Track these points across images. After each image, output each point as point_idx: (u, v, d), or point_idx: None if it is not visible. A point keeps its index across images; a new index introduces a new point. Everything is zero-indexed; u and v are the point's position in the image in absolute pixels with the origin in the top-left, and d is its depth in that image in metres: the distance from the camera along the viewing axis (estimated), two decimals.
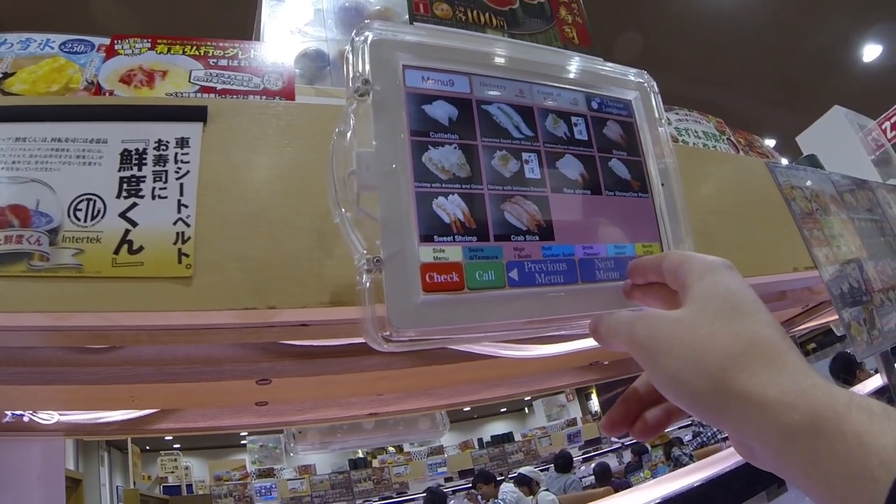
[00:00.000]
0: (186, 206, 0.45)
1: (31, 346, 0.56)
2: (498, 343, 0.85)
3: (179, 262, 0.43)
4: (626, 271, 0.45)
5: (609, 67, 0.55)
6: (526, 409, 10.05)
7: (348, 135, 0.41)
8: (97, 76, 0.59)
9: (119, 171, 0.45)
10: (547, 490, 4.28)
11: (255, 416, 1.05)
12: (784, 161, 1.27)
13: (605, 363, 1.27)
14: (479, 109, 0.46)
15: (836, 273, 0.87)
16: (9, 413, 0.88)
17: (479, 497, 4.49)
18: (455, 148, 0.43)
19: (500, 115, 0.47)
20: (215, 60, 0.61)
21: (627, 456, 6.22)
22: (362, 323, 0.38)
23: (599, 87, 0.53)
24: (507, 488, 4.33)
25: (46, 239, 0.42)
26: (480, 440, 8.54)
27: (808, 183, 0.97)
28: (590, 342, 0.41)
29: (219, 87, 0.59)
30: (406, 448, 7.41)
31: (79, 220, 0.43)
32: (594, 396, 8.81)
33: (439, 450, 7.52)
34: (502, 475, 5.70)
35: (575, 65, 0.53)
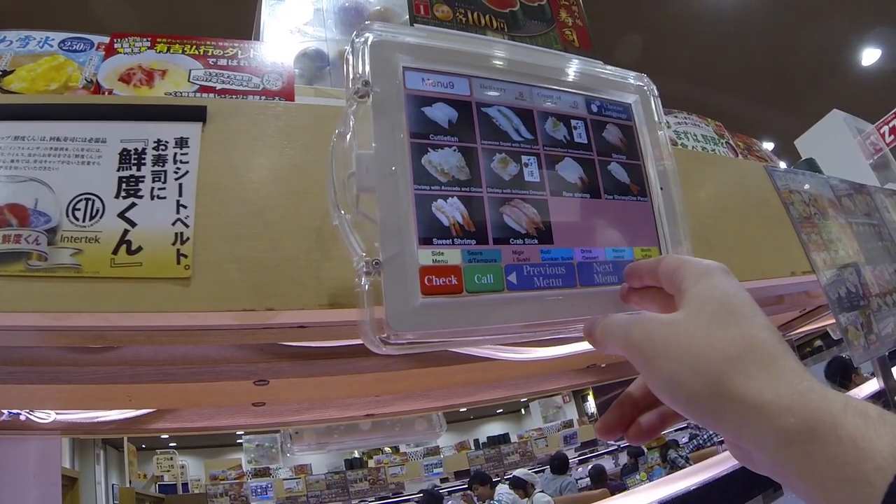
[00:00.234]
0: (185, 207, 0.45)
1: (28, 345, 0.56)
2: (495, 346, 0.85)
3: (178, 262, 0.43)
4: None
5: (609, 71, 0.56)
6: (522, 410, 10.04)
7: (348, 136, 0.41)
8: (96, 75, 0.59)
9: (118, 170, 0.45)
10: (542, 492, 4.28)
11: (252, 416, 1.04)
12: (782, 165, 1.28)
13: (603, 366, 1.27)
14: (478, 112, 0.46)
15: (834, 277, 0.88)
16: (5, 412, 0.88)
17: (476, 498, 4.50)
18: (455, 150, 0.43)
19: (499, 118, 0.47)
20: (215, 60, 0.61)
21: (623, 458, 6.21)
22: (361, 325, 0.38)
23: (599, 91, 0.53)
24: (503, 490, 4.33)
25: (45, 238, 0.42)
26: (477, 441, 8.53)
27: (807, 187, 0.97)
28: (587, 345, 0.41)
29: (218, 86, 0.59)
30: (402, 448, 7.39)
31: (77, 219, 0.43)
32: (591, 398, 8.81)
33: (435, 450, 7.51)
34: (498, 476, 5.69)
35: (575, 68, 0.53)
